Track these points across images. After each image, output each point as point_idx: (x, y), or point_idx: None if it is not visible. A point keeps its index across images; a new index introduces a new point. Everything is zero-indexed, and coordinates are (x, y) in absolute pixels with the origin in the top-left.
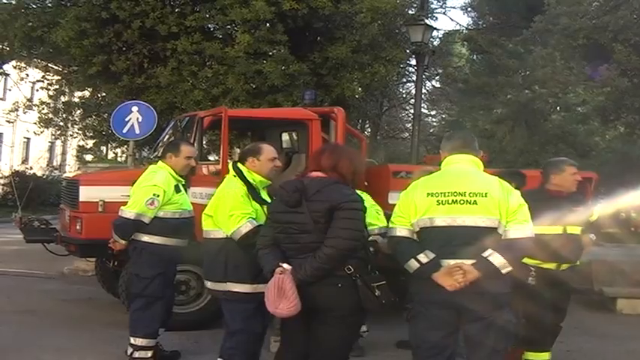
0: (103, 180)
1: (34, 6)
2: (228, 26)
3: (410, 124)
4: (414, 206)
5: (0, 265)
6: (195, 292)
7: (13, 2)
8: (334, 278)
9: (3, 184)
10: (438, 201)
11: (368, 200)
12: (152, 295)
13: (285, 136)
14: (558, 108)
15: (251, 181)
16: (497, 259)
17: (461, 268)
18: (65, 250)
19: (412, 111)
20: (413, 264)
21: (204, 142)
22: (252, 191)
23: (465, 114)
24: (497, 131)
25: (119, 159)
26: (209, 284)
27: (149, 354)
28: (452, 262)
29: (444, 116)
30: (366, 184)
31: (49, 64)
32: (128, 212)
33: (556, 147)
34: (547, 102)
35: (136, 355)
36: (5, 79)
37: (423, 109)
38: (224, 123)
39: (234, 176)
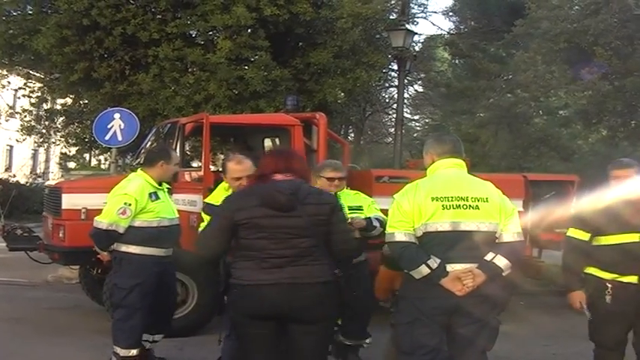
0: (85, 187)
1: (14, 13)
2: (210, 32)
3: (393, 129)
4: (419, 210)
5: None
6: (180, 299)
7: None
8: (329, 285)
9: None
10: (443, 205)
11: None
12: (131, 306)
13: (267, 142)
14: (541, 112)
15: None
16: (502, 261)
17: (471, 272)
18: (48, 258)
19: (395, 116)
20: (423, 270)
21: (186, 149)
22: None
23: (448, 118)
24: (480, 135)
25: (102, 166)
26: None
27: None
28: (456, 266)
29: (427, 120)
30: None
31: (31, 72)
32: (100, 222)
33: (539, 150)
34: (529, 106)
35: None
36: None
37: (406, 114)
38: (205, 129)
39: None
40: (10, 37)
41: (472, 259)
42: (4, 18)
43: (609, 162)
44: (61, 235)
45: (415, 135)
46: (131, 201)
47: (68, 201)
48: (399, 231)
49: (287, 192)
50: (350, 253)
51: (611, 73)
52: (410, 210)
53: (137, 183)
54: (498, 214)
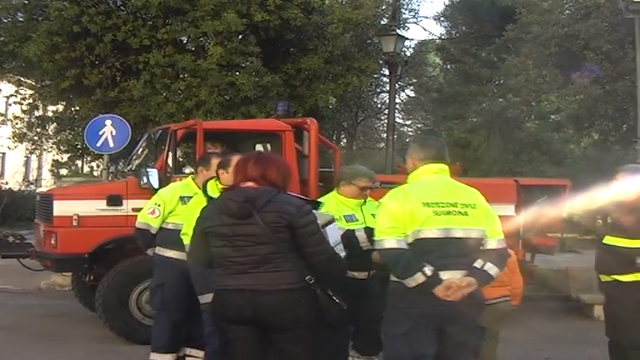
0: (76, 194)
1: (5, 20)
2: (200, 38)
3: (385, 134)
4: (410, 216)
5: None
6: None
7: None
8: (296, 292)
9: None
10: (434, 211)
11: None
12: (155, 307)
13: (258, 148)
14: (532, 116)
15: (214, 192)
16: (493, 269)
17: (466, 281)
18: (41, 265)
19: (387, 121)
20: (419, 277)
21: (178, 155)
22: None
23: (439, 123)
24: (472, 140)
25: (95, 173)
26: (200, 298)
27: None
28: (447, 273)
29: (419, 126)
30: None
31: (22, 79)
32: (137, 222)
33: (530, 155)
34: (521, 110)
35: None
36: None
37: (398, 119)
38: (199, 136)
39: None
40: (1, 45)
41: (462, 266)
42: None
43: (617, 167)
44: (52, 242)
45: (407, 140)
46: (160, 202)
47: (60, 208)
48: (390, 237)
49: (240, 200)
50: (330, 266)
51: (603, 77)
52: (401, 216)
53: (171, 186)
54: (485, 220)
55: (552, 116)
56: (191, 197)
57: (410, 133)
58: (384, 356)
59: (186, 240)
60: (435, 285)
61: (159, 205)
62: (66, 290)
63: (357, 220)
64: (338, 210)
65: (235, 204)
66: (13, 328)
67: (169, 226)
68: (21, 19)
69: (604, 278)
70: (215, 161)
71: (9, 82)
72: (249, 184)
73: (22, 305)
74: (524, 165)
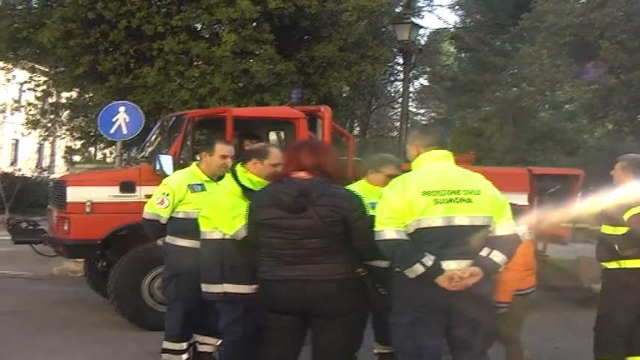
0: (90, 180)
1: (19, 7)
2: (215, 25)
3: (399, 123)
4: (410, 206)
5: None
6: None
7: None
8: (347, 282)
9: None
10: (435, 200)
11: None
12: (169, 298)
13: (272, 136)
14: (546, 105)
15: (246, 182)
16: (498, 257)
17: (469, 271)
18: (53, 251)
19: (400, 109)
20: (418, 269)
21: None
22: (248, 192)
23: (453, 112)
24: (485, 129)
25: (107, 160)
26: (205, 287)
27: (174, 358)
28: (451, 263)
29: (432, 114)
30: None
31: (36, 65)
32: (144, 212)
33: (544, 144)
34: (535, 99)
35: (164, 357)
36: None
37: (411, 108)
38: (229, 123)
39: (230, 176)
40: (15, 31)
41: (467, 255)
42: (8, 12)
43: (613, 157)
44: (65, 228)
45: None
46: (168, 191)
47: (73, 194)
48: (389, 228)
49: (294, 193)
50: (377, 255)
51: (617, 67)
52: (400, 206)
53: (178, 173)
54: (491, 206)
55: (566, 106)
56: (200, 185)
57: (423, 122)
58: (393, 347)
59: (206, 224)
60: (437, 275)
61: (167, 195)
62: (78, 276)
63: None
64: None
65: (290, 198)
66: (26, 314)
67: (180, 215)
68: (35, 6)
69: (600, 267)
70: (220, 147)
71: (23, 68)
72: (301, 174)
73: (35, 291)
74: (537, 154)
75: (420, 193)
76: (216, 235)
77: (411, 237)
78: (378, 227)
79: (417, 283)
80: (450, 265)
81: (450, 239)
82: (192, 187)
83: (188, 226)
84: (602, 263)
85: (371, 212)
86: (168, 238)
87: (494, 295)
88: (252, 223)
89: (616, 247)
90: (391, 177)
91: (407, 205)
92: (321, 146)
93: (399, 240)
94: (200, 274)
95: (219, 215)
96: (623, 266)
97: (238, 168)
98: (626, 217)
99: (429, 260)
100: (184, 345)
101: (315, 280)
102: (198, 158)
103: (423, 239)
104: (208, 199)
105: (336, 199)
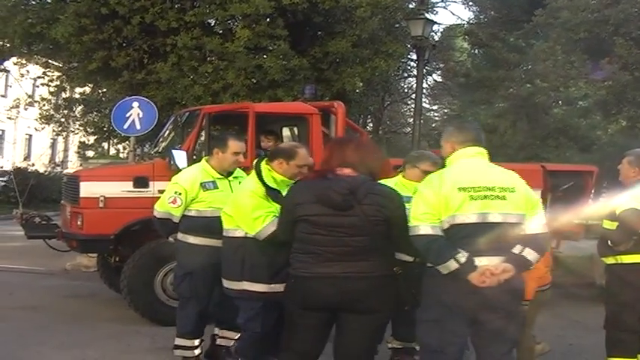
0: (103, 175)
1: (33, 2)
2: (228, 21)
3: (412, 119)
4: (445, 202)
5: (2, 261)
6: None
7: None
8: (384, 278)
9: (5, 181)
10: (470, 196)
11: None
12: (182, 295)
13: (285, 131)
14: (560, 102)
15: (270, 181)
16: (531, 255)
17: (502, 268)
18: (66, 246)
19: (414, 105)
20: (452, 265)
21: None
22: (272, 192)
23: (466, 108)
24: (499, 125)
25: (121, 155)
26: (225, 283)
27: (187, 353)
28: (484, 260)
29: (445, 111)
30: None
31: (50, 61)
32: (155, 211)
33: (557, 141)
34: (548, 96)
35: (175, 352)
36: (6, 75)
37: (424, 104)
38: (251, 119)
39: (254, 175)
40: (29, 26)
41: (500, 252)
42: (22, 7)
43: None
44: (79, 223)
45: (434, 125)
46: (180, 190)
47: (86, 189)
48: (425, 224)
49: (343, 191)
50: (412, 251)
51: (632, 64)
52: (436, 201)
53: (190, 171)
54: (524, 204)
55: (580, 102)
56: (212, 182)
57: (436, 118)
58: (418, 342)
59: (229, 222)
60: (470, 272)
61: (180, 194)
62: (91, 271)
63: None
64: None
65: (339, 196)
66: (39, 308)
67: (192, 214)
68: (49, 1)
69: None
70: (233, 143)
71: (37, 64)
72: (347, 171)
73: (48, 286)
74: (550, 151)
75: (455, 188)
76: (239, 234)
77: (445, 233)
78: (413, 222)
79: (449, 279)
80: (482, 262)
81: (483, 236)
82: (204, 186)
83: (200, 224)
84: (602, 259)
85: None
86: (180, 236)
87: (524, 291)
88: (289, 219)
89: (609, 242)
90: (427, 173)
91: (443, 201)
92: (366, 143)
93: (435, 236)
94: (213, 270)
95: (241, 216)
96: (620, 262)
97: (263, 166)
98: (618, 211)
99: (462, 257)
100: (196, 342)
101: (355, 276)
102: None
103: (457, 235)
104: (231, 198)
105: (382, 198)
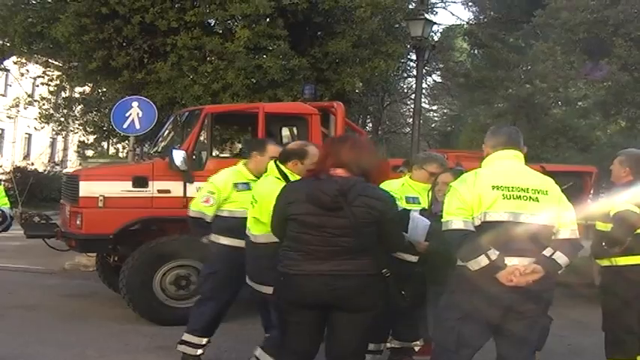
0: (102, 175)
1: (33, 2)
2: (228, 21)
3: (411, 119)
4: (479, 199)
5: (1, 260)
6: (195, 287)
7: None
8: (373, 277)
9: (4, 180)
10: (503, 195)
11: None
12: (203, 294)
13: (285, 131)
14: (559, 102)
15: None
16: (562, 259)
17: (532, 268)
18: (65, 245)
19: (413, 106)
20: (482, 260)
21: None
22: None
23: (466, 108)
24: None
25: (120, 154)
26: (256, 286)
27: (190, 350)
28: (514, 259)
29: (445, 111)
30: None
31: (50, 60)
32: (189, 210)
33: (557, 141)
34: (548, 96)
35: (179, 347)
36: (6, 75)
37: (424, 104)
38: (260, 119)
39: (278, 178)
40: (29, 26)
41: (530, 253)
42: (23, 6)
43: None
44: (78, 222)
45: (433, 125)
46: (214, 190)
47: (85, 188)
48: (458, 218)
49: (332, 193)
50: (401, 249)
51: (631, 64)
52: (469, 198)
53: (225, 172)
54: (557, 208)
55: (579, 103)
56: (245, 183)
57: (435, 119)
58: (434, 339)
59: (258, 228)
60: (499, 270)
61: (213, 194)
62: (90, 271)
63: (420, 204)
64: (402, 191)
65: (328, 197)
66: (38, 308)
67: (224, 214)
68: (49, 1)
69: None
70: (271, 147)
71: (37, 63)
72: (339, 171)
73: (47, 285)
74: (550, 151)
75: (489, 187)
76: (263, 239)
77: (476, 229)
78: (446, 217)
79: (477, 277)
80: (512, 262)
81: (514, 235)
82: (237, 186)
83: (232, 225)
84: (597, 260)
85: (404, 205)
86: (213, 237)
87: (552, 294)
88: (281, 217)
89: (603, 244)
90: (434, 175)
91: (476, 198)
92: (362, 142)
93: (467, 230)
94: (239, 273)
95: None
96: (614, 264)
97: (286, 170)
98: (611, 213)
99: (493, 254)
100: (204, 340)
101: (347, 274)
102: (214, 154)
103: (487, 233)
104: (260, 202)
105: (373, 201)
